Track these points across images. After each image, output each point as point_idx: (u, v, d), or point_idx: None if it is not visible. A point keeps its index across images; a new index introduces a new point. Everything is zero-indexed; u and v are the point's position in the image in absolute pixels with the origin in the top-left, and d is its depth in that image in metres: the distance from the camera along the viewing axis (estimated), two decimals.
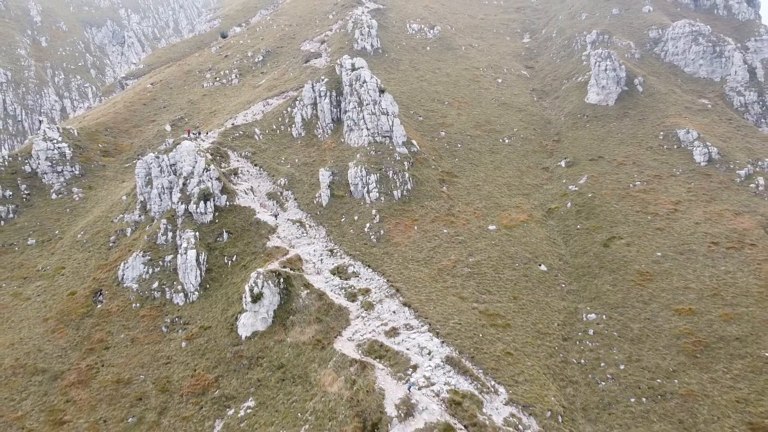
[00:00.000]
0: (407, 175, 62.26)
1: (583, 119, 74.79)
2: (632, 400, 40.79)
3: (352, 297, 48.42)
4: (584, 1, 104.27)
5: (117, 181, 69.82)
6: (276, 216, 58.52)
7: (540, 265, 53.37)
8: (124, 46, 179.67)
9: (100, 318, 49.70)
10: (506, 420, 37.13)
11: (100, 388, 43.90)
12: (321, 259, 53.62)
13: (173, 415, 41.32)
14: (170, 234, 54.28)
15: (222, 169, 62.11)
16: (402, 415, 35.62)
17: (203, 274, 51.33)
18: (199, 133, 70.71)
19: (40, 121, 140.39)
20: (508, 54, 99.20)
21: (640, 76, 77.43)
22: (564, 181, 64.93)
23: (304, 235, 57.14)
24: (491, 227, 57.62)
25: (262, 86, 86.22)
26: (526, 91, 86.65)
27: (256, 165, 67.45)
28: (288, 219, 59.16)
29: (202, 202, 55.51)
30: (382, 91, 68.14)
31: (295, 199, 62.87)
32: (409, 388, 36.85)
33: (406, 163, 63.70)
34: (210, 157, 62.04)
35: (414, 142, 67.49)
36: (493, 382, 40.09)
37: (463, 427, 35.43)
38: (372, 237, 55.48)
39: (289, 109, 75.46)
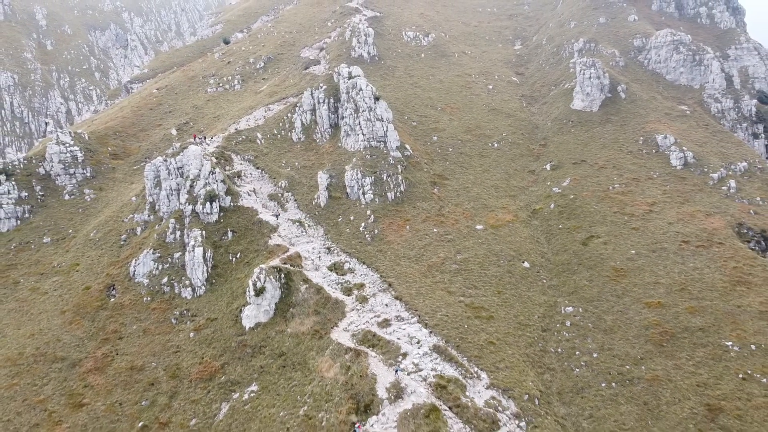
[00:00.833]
0: (400, 177, 66.13)
1: (568, 124, 78.73)
2: (603, 384, 44.64)
3: (347, 291, 52.26)
4: (573, 9, 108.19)
5: (126, 183, 73.62)
6: (277, 216, 62.31)
7: (523, 262, 57.24)
8: (127, 49, 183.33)
9: (113, 311, 53.50)
10: (487, 402, 40.95)
11: (115, 374, 47.72)
12: (319, 257, 57.43)
13: (183, 398, 45.11)
14: (178, 233, 58.07)
15: (226, 172, 65.91)
16: (392, 397, 39.50)
17: (209, 270, 55.12)
18: (205, 138, 74.51)
19: (46, 123, 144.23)
20: (500, 61, 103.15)
21: (623, 84, 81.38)
22: (548, 183, 68.83)
23: (304, 234, 60.93)
24: (479, 227, 61.50)
25: (264, 92, 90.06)
26: (515, 97, 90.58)
27: (258, 168, 71.30)
28: (288, 219, 62.95)
29: (208, 203, 59.32)
30: (377, 99, 72.07)
31: (295, 200, 66.65)
32: (396, 372, 40.73)
33: (399, 166, 67.56)
34: (215, 160, 65.87)
35: (407, 146, 71.40)
36: (476, 369, 43.87)
37: (447, 408, 39.24)
38: (367, 236, 59.32)
39: (289, 114, 79.33)
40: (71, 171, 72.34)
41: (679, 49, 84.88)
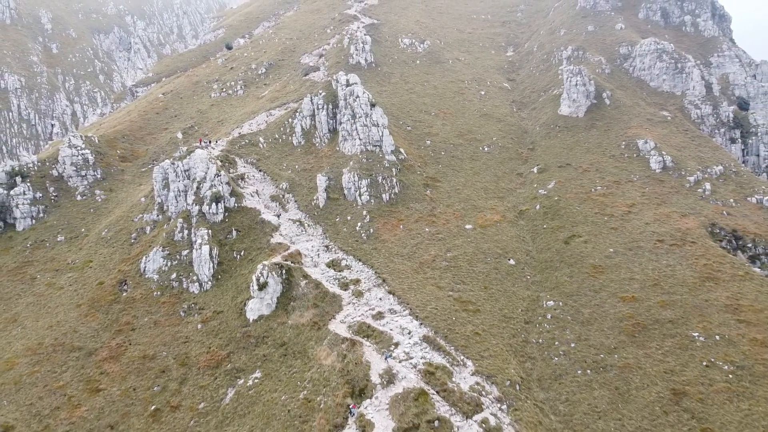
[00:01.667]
0: (395, 180, 70.00)
1: (555, 129, 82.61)
2: (579, 372, 48.35)
3: (344, 286, 56.04)
4: (564, 17, 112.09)
5: (135, 185, 77.45)
6: (278, 216, 66.15)
7: (509, 259, 61.10)
8: (130, 51, 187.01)
9: (126, 304, 57.34)
10: (472, 387, 44.52)
11: (128, 362, 51.53)
12: (318, 254, 61.27)
13: (192, 384, 48.87)
14: (186, 232, 61.89)
15: (230, 175, 69.75)
16: (385, 382, 43.18)
17: (215, 266, 58.94)
18: (210, 142, 78.36)
19: (53, 125, 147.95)
20: (492, 67, 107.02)
21: (608, 90, 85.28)
22: (535, 185, 72.67)
23: (303, 233, 64.78)
24: (468, 226, 65.36)
25: (265, 97, 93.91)
26: (506, 102, 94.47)
27: (260, 170, 75.18)
28: (289, 219, 66.78)
29: (213, 203, 63.14)
30: (373, 105, 75.97)
31: (295, 201, 70.49)
32: (386, 358, 44.60)
33: (394, 169, 71.42)
34: (220, 163, 69.71)
35: (402, 150, 75.30)
36: (462, 357, 47.51)
37: (435, 392, 42.85)
38: (363, 235, 63.19)
39: (290, 119, 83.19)
40: (83, 173, 76.17)
41: (662, 57, 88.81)
